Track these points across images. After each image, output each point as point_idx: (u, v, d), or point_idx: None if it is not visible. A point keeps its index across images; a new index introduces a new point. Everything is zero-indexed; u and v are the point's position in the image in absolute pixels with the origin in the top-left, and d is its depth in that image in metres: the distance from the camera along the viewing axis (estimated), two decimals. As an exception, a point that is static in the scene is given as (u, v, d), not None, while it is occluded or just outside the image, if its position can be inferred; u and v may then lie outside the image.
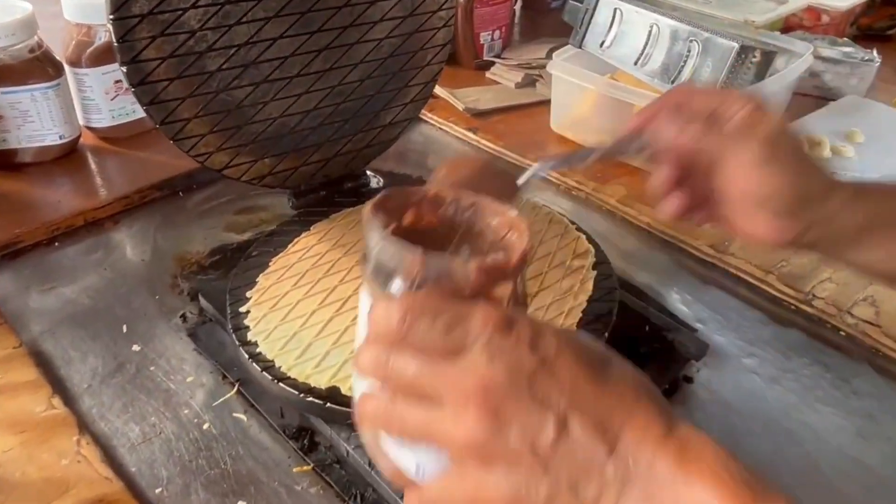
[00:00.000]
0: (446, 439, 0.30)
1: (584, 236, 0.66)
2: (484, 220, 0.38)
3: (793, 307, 0.67)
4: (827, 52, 1.02)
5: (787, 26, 1.13)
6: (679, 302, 0.67)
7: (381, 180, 0.80)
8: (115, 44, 0.57)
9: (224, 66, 0.63)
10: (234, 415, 0.55)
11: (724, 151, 0.44)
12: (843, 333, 0.64)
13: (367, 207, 0.36)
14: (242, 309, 0.58)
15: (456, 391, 0.30)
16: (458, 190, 0.39)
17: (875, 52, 1.02)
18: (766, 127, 0.44)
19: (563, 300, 0.59)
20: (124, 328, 0.62)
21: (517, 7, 1.23)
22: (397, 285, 0.33)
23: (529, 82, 1.02)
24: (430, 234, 0.38)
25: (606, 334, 0.56)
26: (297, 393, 0.51)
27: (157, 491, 0.49)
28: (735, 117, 0.44)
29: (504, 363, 0.29)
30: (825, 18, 1.14)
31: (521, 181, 0.49)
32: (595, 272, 0.62)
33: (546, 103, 0.94)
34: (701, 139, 0.45)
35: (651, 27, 0.83)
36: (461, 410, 0.30)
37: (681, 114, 0.46)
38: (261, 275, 0.62)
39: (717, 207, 0.47)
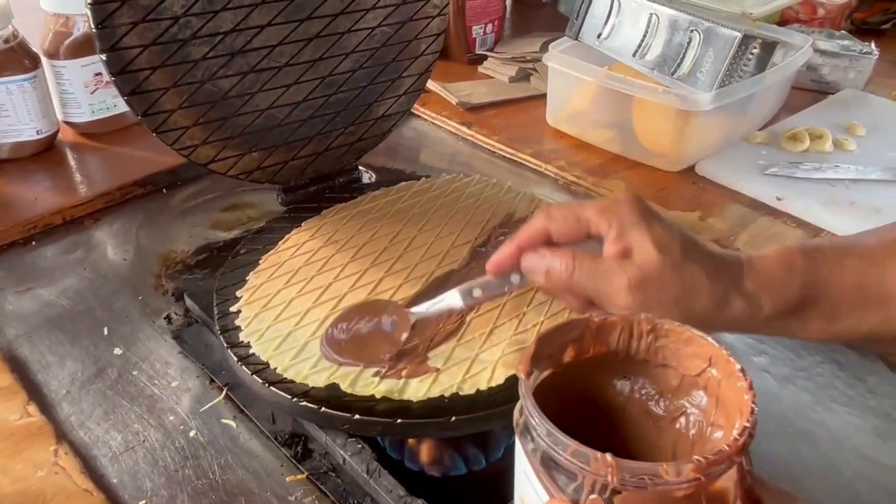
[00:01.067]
0: None
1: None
2: (669, 350, 0.32)
3: (801, 303, 0.65)
4: (825, 45, 1.01)
5: (784, 19, 1.11)
6: (684, 299, 0.65)
7: (373, 175, 0.77)
8: (94, 30, 0.54)
9: (209, 55, 0.60)
10: (223, 421, 0.52)
11: (598, 297, 0.42)
12: (854, 330, 0.62)
13: (520, 368, 0.30)
14: (233, 308, 0.55)
15: None
16: (632, 314, 0.33)
17: (873, 45, 1.01)
18: (635, 257, 0.41)
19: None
20: (105, 331, 0.59)
21: (509, 1, 1.21)
22: (579, 491, 0.27)
23: (523, 76, 0.99)
24: (598, 366, 0.33)
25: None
26: (289, 397, 0.48)
27: (141, 503, 0.46)
28: (606, 248, 0.42)
29: None
30: (821, 12, 1.13)
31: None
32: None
33: (541, 97, 0.92)
34: (573, 286, 0.42)
35: (650, 17, 0.81)
36: None
37: (548, 248, 0.44)
38: (251, 273, 0.59)
39: None
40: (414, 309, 0.51)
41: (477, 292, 0.47)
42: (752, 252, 0.45)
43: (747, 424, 0.27)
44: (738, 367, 0.30)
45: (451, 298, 0.48)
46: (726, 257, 0.44)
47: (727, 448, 0.26)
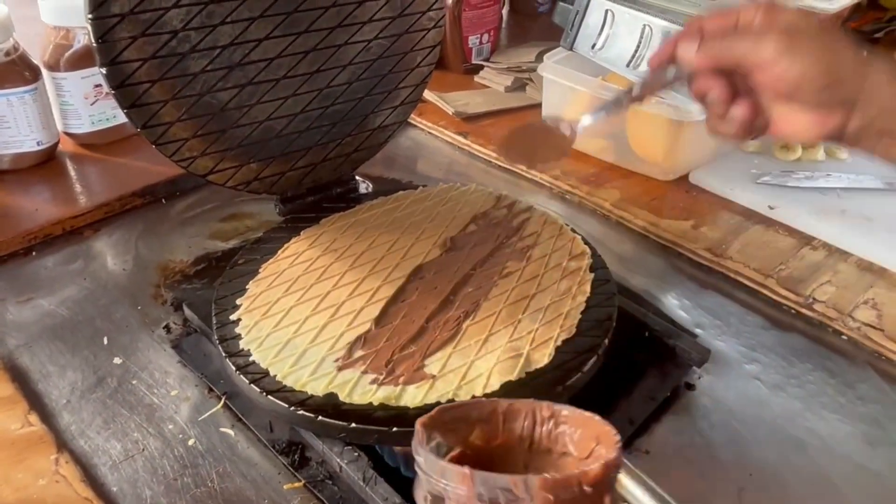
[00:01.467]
0: None
1: (579, 237, 0.65)
2: (567, 435, 0.33)
3: (793, 311, 0.66)
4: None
5: (776, 29, 1.12)
6: (678, 307, 0.66)
7: (370, 185, 0.78)
8: (95, 44, 0.55)
9: (208, 68, 0.60)
10: (221, 430, 0.52)
11: (746, 55, 0.44)
12: (844, 337, 0.63)
13: (418, 426, 0.32)
14: (233, 317, 0.55)
15: None
16: (533, 401, 0.34)
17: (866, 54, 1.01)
18: (781, 19, 0.44)
19: (560, 301, 0.57)
20: (105, 340, 0.59)
21: (504, 11, 1.22)
22: None
23: (519, 86, 1.00)
24: (506, 456, 0.34)
25: (606, 341, 0.54)
26: (287, 406, 0.48)
27: (141, 511, 0.47)
28: (753, 22, 0.44)
29: None
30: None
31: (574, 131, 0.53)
32: (592, 275, 0.60)
33: (536, 107, 0.93)
34: (723, 50, 0.45)
35: (643, 28, 0.82)
36: None
37: (701, 35, 0.46)
38: (251, 281, 0.59)
39: (765, 117, 0.47)
40: (583, 121, 0.53)
41: (636, 89, 0.51)
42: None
43: (605, 456, 0.28)
44: (614, 437, 0.31)
45: (614, 99, 0.52)
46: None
47: (576, 472, 0.27)
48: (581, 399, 0.51)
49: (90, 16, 0.54)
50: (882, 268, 0.69)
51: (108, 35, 0.55)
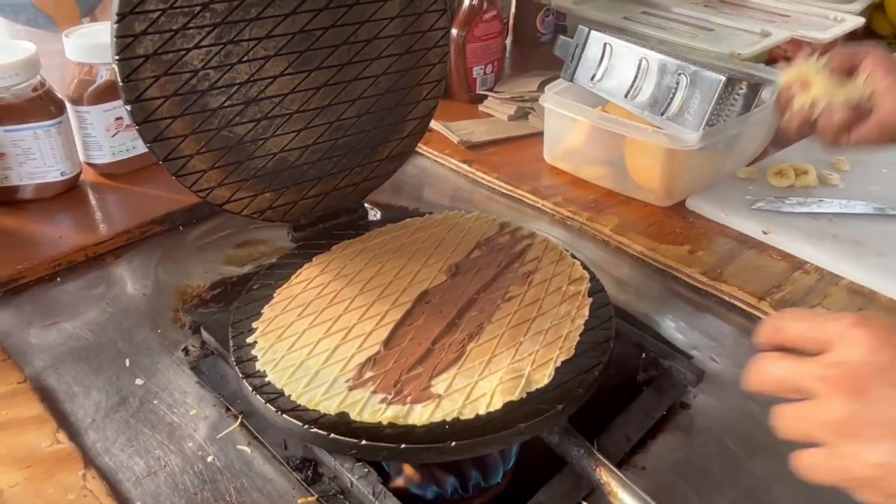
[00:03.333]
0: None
1: (579, 263, 0.68)
2: None
3: (785, 333, 0.68)
4: (811, 82, 1.05)
5: (772, 58, 1.15)
6: (674, 329, 0.69)
7: (378, 213, 0.81)
8: (120, 83, 0.59)
9: (226, 104, 0.64)
10: (238, 447, 0.55)
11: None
12: (835, 358, 0.65)
13: None
14: (249, 340, 0.58)
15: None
16: None
17: (858, 82, 1.05)
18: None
19: (560, 324, 0.60)
20: (127, 362, 0.62)
21: (508, 41, 1.26)
22: None
23: (522, 115, 1.04)
24: None
25: (604, 361, 0.57)
26: (300, 424, 0.51)
27: (163, 524, 0.50)
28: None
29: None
30: (807, 50, 1.17)
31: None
32: (591, 299, 0.63)
33: (539, 135, 0.96)
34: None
35: (640, 61, 0.86)
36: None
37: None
38: (266, 306, 0.62)
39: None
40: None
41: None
42: None
43: None
44: None
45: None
46: None
47: None
48: (580, 417, 0.54)
49: (117, 57, 0.58)
50: (872, 291, 0.72)
51: (133, 75, 0.59)
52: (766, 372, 0.39)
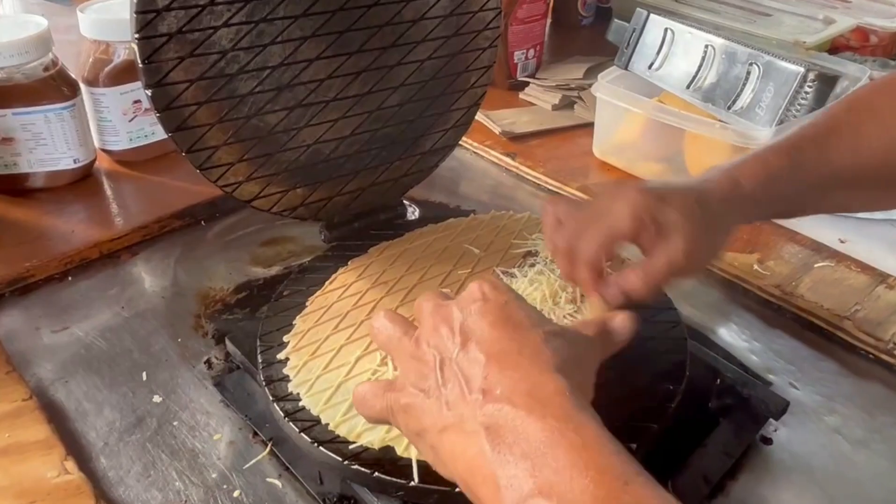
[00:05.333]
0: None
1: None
2: None
3: (871, 356, 0.61)
4: (879, 75, 0.97)
5: (834, 47, 1.07)
6: (747, 350, 0.62)
7: (417, 210, 0.74)
8: (141, 65, 0.52)
9: (256, 90, 0.57)
10: (268, 479, 0.49)
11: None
12: (930, 387, 0.59)
13: None
14: (280, 356, 0.52)
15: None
16: None
17: (931, 76, 0.97)
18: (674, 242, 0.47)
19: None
20: (144, 376, 0.56)
21: (547, 25, 1.18)
22: None
23: (567, 104, 0.96)
24: None
25: (681, 392, 0.50)
26: (339, 459, 0.45)
27: (184, 571, 0.44)
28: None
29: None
30: (873, 39, 1.09)
31: None
32: (660, 316, 0.56)
33: (586, 126, 0.89)
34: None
35: (705, 48, 0.78)
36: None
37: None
38: (298, 316, 0.56)
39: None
40: None
41: None
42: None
43: None
44: None
45: None
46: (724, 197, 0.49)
47: None
48: (654, 454, 0.47)
49: (137, 35, 0.51)
50: (965, 310, 0.65)
51: (155, 55, 0.52)
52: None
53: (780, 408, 0.54)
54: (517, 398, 0.33)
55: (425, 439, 0.37)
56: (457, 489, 0.43)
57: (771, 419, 0.55)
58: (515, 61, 1.02)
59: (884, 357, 0.61)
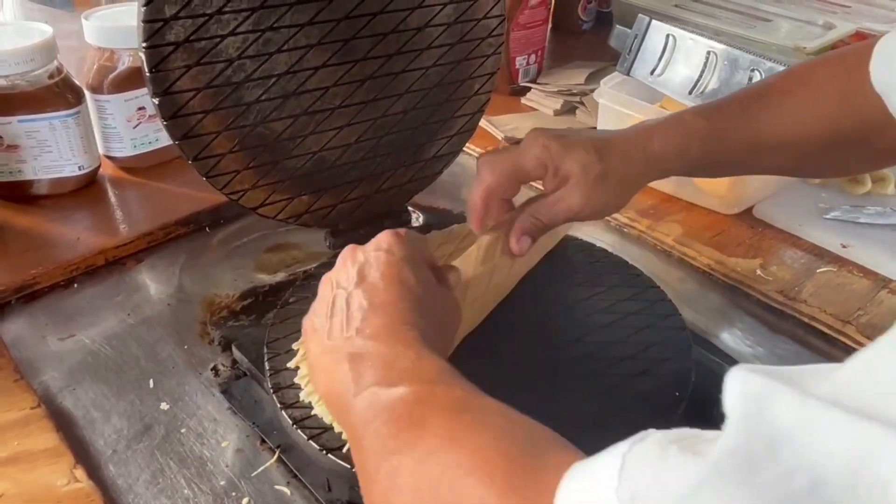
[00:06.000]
0: None
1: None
2: None
3: (874, 361, 0.62)
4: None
5: (834, 52, 1.08)
6: (751, 355, 0.62)
7: (422, 216, 0.75)
8: (148, 74, 0.52)
9: (262, 98, 0.58)
10: (276, 487, 0.49)
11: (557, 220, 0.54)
12: (933, 392, 0.59)
13: None
14: (290, 364, 0.52)
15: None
16: None
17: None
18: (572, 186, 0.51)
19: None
20: (151, 383, 0.57)
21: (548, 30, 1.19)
22: None
23: (569, 109, 0.97)
24: None
25: (686, 398, 0.51)
26: (349, 466, 0.45)
27: (194, 579, 0.44)
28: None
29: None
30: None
31: None
32: (665, 322, 0.57)
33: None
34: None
35: (707, 54, 0.79)
36: None
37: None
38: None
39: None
40: None
41: None
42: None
43: None
44: None
45: None
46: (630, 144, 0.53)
47: None
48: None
49: (145, 44, 0.52)
50: (967, 314, 0.65)
51: (162, 64, 0.53)
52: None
53: (785, 414, 0.55)
54: (381, 338, 0.40)
55: (309, 358, 0.44)
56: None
57: (776, 425, 0.55)
58: (517, 67, 1.02)
59: (887, 362, 0.61)
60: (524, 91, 1.02)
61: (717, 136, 0.53)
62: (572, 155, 0.51)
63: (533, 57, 1.03)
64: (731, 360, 0.60)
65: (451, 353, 0.50)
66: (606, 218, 0.78)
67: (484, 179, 0.53)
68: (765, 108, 0.53)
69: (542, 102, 0.98)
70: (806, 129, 0.53)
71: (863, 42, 0.53)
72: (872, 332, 0.63)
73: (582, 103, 0.96)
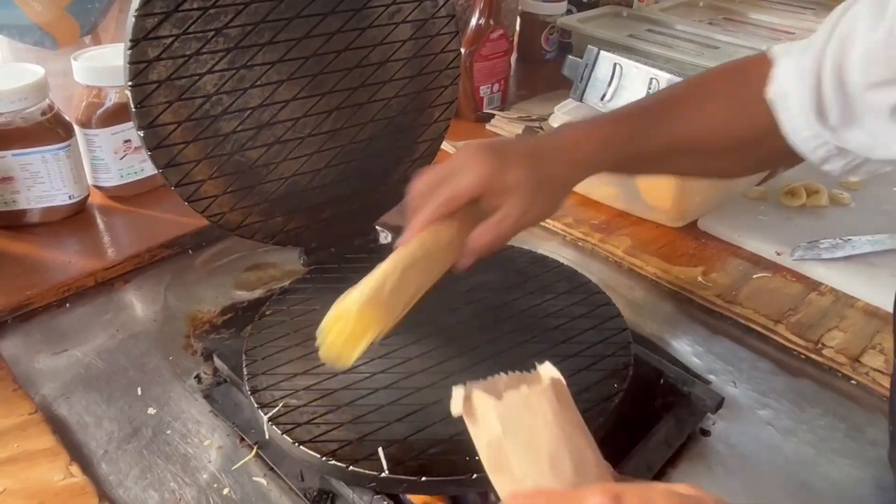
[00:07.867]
0: None
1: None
2: None
3: (803, 356, 0.68)
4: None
5: (778, 75, 1.15)
6: (690, 353, 0.68)
7: (390, 235, 0.80)
8: (133, 109, 0.58)
9: (238, 128, 0.64)
10: (254, 479, 0.54)
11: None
12: (854, 382, 0.65)
13: None
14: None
15: None
16: None
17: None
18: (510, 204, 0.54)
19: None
20: (139, 391, 0.62)
21: (512, 59, 1.26)
22: None
23: (530, 134, 1.03)
24: None
25: (624, 390, 0.56)
26: (318, 456, 0.50)
27: (179, 560, 0.49)
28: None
29: None
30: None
31: None
32: (608, 324, 0.63)
33: (547, 155, 0.96)
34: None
35: (650, 81, 0.86)
36: None
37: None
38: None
39: None
40: None
41: None
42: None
43: None
44: None
45: None
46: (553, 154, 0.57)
47: None
48: (602, 445, 0.53)
49: (130, 83, 0.57)
50: (888, 313, 0.71)
51: (147, 100, 0.58)
52: None
53: (716, 402, 0.61)
54: None
55: None
56: (422, 478, 0.49)
57: (709, 413, 0.61)
58: (481, 95, 1.09)
59: (813, 356, 0.67)
60: (489, 118, 1.08)
61: (636, 140, 0.59)
62: (510, 171, 0.54)
63: (497, 86, 1.10)
64: (672, 359, 0.66)
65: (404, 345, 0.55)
66: (562, 233, 0.85)
67: (425, 213, 0.55)
68: (677, 116, 0.59)
69: (505, 128, 1.05)
70: (715, 134, 0.59)
71: (759, 54, 0.60)
72: (801, 329, 0.69)
73: (541, 128, 1.02)
